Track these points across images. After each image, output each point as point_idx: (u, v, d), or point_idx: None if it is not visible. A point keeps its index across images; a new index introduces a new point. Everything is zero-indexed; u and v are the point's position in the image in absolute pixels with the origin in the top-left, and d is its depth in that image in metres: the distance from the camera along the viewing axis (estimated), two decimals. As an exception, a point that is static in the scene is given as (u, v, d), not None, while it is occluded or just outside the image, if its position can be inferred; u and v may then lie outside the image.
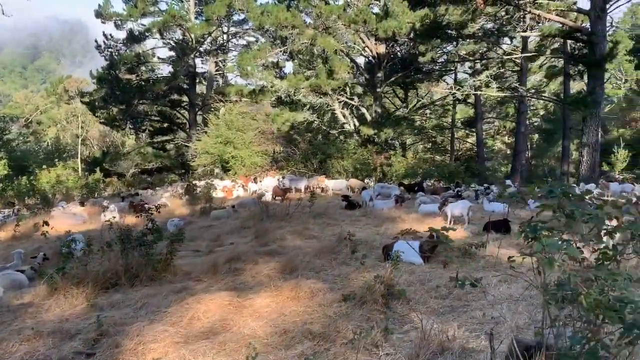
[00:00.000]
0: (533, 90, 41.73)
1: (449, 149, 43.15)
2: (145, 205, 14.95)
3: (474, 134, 43.27)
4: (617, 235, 2.77)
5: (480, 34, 26.12)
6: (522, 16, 28.19)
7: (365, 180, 21.12)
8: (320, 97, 32.04)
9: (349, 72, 31.84)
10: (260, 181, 19.81)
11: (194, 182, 19.91)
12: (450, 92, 38.28)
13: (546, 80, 43.12)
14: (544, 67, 41.30)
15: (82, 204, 18.45)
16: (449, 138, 45.10)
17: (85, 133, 58.01)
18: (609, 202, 2.73)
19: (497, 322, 5.34)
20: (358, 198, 15.65)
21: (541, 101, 45.77)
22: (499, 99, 42.94)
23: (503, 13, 26.97)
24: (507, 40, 41.49)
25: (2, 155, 24.34)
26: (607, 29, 24.47)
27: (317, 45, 31.10)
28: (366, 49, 32.78)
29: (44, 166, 26.46)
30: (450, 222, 11.95)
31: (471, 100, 40.99)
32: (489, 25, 28.00)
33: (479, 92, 32.63)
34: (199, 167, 30.32)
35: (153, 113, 42.62)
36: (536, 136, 58.18)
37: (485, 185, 22.82)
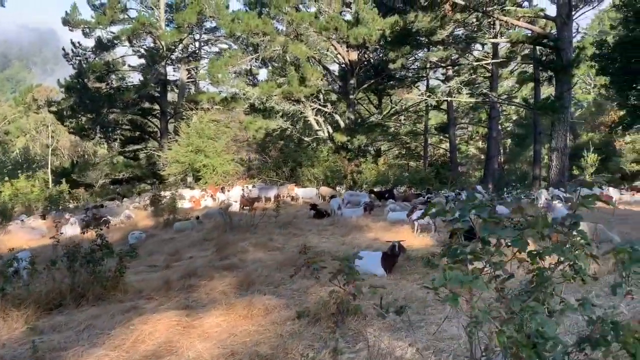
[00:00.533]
0: (505, 96, 42.27)
1: (423, 154, 43.30)
2: (103, 219, 14.57)
3: (448, 139, 43.53)
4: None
5: (450, 41, 26.20)
6: (492, 23, 28.46)
7: (337, 188, 20.96)
8: (293, 105, 31.83)
9: (321, 79, 31.73)
10: (228, 190, 19.43)
11: (159, 193, 19.43)
12: (422, 98, 38.53)
13: (517, 85, 43.75)
14: (515, 73, 41.88)
15: (43, 217, 17.85)
16: (423, 144, 45.30)
17: (55, 143, 56.82)
18: (540, 219, 2.54)
19: (452, 337, 5.16)
20: (327, 206, 15.44)
21: (513, 106, 46.36)
22: (471, 104, 43.27)
23: (474, 20, 27.15)
24: (478, 47, 42.06)
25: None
26: (574, 35, 24.84)
27: (289, 53, 30.95)
28: (339, 56, 32.74)
29: (6, 178, 25.55)
30: (417, 230, 11.81)
31: (444, 106, 41.24)
32: (460, 32, 28.10)
33: (450, 99, 32.76)
34: (169, 176, 29.76)
35: (124, 122, 41.93)
36: (509, 141, 58.96)
37: (457, 191, 22.88)
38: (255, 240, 10.22)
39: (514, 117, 54.13)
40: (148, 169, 36.06)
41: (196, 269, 7.90)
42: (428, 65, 37.24)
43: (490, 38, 27.73)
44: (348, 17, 31.46)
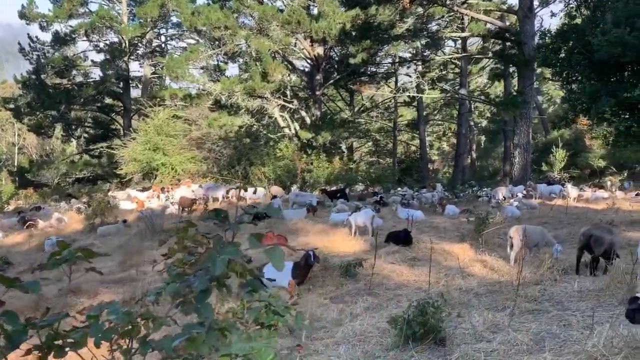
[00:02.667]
0: (478, 93, 41.89)
1: (392, 151, 42.75)
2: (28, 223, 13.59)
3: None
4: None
5: (410, 35, 25.56)
6: (458, 17, 27.87)
7: (293, 188, 20.14)
8: (257, 101, 30.90)
9: (285, 75, 30.87)
10: (169, 191, 18.49)
11: (102, 194, 18.44)
12: (390, 95, 37.97)
13: (489, 82, 43.46)
14: (486, 70, 41.56)
15: (-32, 221, 16.76)
16: (392, 141, 44.78)
17: (22, 141, 55.17)
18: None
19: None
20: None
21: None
22: (441, 101, 42.87)
23: (443, 14, 26.50)
24: (450, 43, 41.62)
25: None
26: (537, 29, 24.33)
27: (252, 47, 30.04)
28: (304, 51, 31.90)
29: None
30: (354, 232, 11.10)
31: (416, 103, 40.74)
32: (422, 26, 27.47)
33: (417, 95, 32.26)
34: (127, 175, 28.66)
35: (87, 119, 40.65)
36: (483, 137, 58.79)
37: (416, 188, 22.28)
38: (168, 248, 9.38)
39: (488, 114, 53.94)
40: (110, 167, 34.80)
41: (80, 284, 7.05)
42: (397, 61, 36.66)
43: (452, 32, 27.14)
44: (316, 10, 30.65)
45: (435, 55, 36.10)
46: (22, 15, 35.46)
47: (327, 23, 24.43)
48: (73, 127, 40.42)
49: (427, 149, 46.85)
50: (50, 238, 11.35)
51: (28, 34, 36.13)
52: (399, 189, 23.19)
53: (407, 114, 47.65)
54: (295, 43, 31.45)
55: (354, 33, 24.15)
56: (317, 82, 31.66)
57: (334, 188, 19.53)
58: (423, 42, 36.38)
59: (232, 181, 22.78)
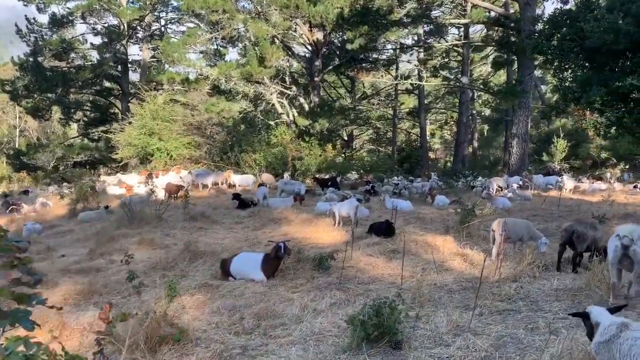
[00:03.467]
0: (481, 81, 41.37)
1: (392, 140, 42.34)
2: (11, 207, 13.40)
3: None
4: None
5: (408, 21, 25.04)
6: (460, 3, 27.26)
7: (285, 175, 19.84)
8: (255, 86, 30.54)
9: (282, 60, 30.46)
10: (156, 177, 18.19)
11: (91, 178, 18.16)
12: (391, 82, 37.48)
13: (492, 70, 42.90)
14: (489, 58, 40.94)
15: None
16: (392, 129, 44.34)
17: (24, 124, 54.95)
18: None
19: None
20: (254, 196, 14.36)
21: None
22: (444, 89, 42.32)
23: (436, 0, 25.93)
24: (454, 30, 40.96)
25: None
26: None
27: (250, 32, 29.63)
28: (303, 36, 31.39)
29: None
30: (338, 223, 10.83)
31: (417, 91, 40.25)
32: (419, 12, 26.89)
33: (417, 83, 31.77)
34: (122, 159, 28.46)
35: (85, 103, 40.37)
36: (486, 126, 58.22)
37: (411, 178, 21.97)
38: (142, 236, 9.13)
39: (492, 103, 53.34)
40: (107, 152, 34.58)
41: (44, 273, 6.81)
42: (398, 47, 36.14)
43: (453, 19, 26.60)
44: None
45: (437, 42, 35.52)
46: (20, -4, 35.03)
47: (324, 7, 23.96)
48: (72, 110, 40.14)
49: (428, 138, 46.43)
50: (27, 223, 11.12)
51: (25, 16, 35.71)
52: (395, 178, 22.89)
53: (409, 102, 47.12)
54: (295, 28, 30.97)
55: (351, 18, 23.65)
56: (316, 68, 31.23)
57: (326, 176, 19.24)
58: (426, 28, 35.88)
59: (225, 168, 22.45)
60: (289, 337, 4.93)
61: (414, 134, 46.00)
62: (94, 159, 37.24)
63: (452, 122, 51.00)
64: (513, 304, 5.59)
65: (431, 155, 55.31)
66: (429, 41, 37.13)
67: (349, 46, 26.85)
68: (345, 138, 41.60)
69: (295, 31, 31.44)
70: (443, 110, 50.91)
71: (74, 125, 48.51)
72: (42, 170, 31.15)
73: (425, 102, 43.23)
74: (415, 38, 38.25)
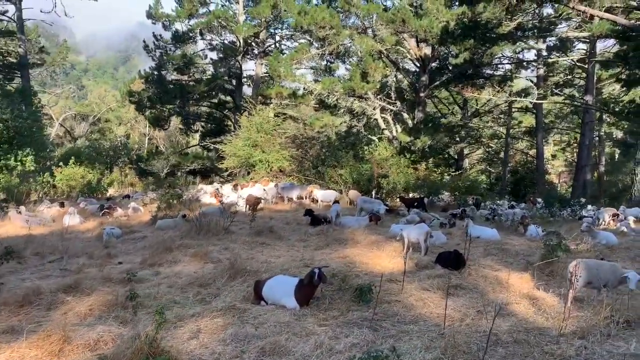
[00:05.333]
0: (612, 101, 37.56)
1: (504, 160, 39.77)
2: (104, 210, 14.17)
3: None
4: None
5: (519, 35, 23.23)
6: (569, 15, 24.83)
7: (373, 193, 19.15)
8: (358, 101, 30.31)
9: (389, 75, 29.96)
10: (242, 188, 18.36)
11: (172, 187, 18.85)
12: (504, 100, 35.26)
13: (623, 89, 38.77)
14: (623, 76, 37.02)
15: (62, 204, 17.98)
16: (511, 148, 41.64)
17: (152, 132, 59.72)
18: None
19: None
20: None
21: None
22: (566, 108, 38.98)
23: (550, 11, 23.89)
24: (581, 46, 37.65)
25: (29, 151, 24.55)
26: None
27: (357, 47, 29.54)
28: (411, 51, 30.63)
29: (61, 164, 26.50)
30: (407, 249, 10.00)
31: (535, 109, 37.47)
32: (530, 24, 24.84)
33: (533, 101, 29.51)
34: (227, 169, 29.60)
35: (203, 114, 43.05)
36: (617, 150, 52.75)
37: (513, 203, 20.27)
38: (197, 249, 9.02)
39: (626, 125, 48.30)
40: (217, 161, 36.35)
41: (80, 281, 6.89)
42: (514, 62, 33.95)
43: (569, 32, 24.29)
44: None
45: (559, 57, 32.86)
46: (149, 15, 38.16)
47: (428, 21, 23.07)
48: (191, 121, 42.89)
49: (547, 160, 43.02)
50: (105, 227, 11.64)
51: (153, 33, 38.83)
52: (498, 202, 21.28)
53: (527, 120, 44.07)
54: (402, 43, 30.35)
55: (457, 32, 22.50)
56: (422, 84, 30.35)
57: (414, 196, 18.24)
58: (550, 43, 33.29)
59: (313, 182, 22.27)
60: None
61: (530, 155, 42.86)
62: (206, 168, 39.33)
63: (576, 144, 46.89)
64: (568, 370, 4.55)
65: (554, 178, 51.32)
66: (551, 56, 34.47)
67: (452, 61, 25.60)
68: (455, 157, 39.87)
69: (402, 46, 30.81)
70: (567, 131, 47.00)
71: (196, 135, 51.90)
72: (156, 177, 33.34)
73: (546, 121, 40.11)
74: (535, 53, 35.71)
